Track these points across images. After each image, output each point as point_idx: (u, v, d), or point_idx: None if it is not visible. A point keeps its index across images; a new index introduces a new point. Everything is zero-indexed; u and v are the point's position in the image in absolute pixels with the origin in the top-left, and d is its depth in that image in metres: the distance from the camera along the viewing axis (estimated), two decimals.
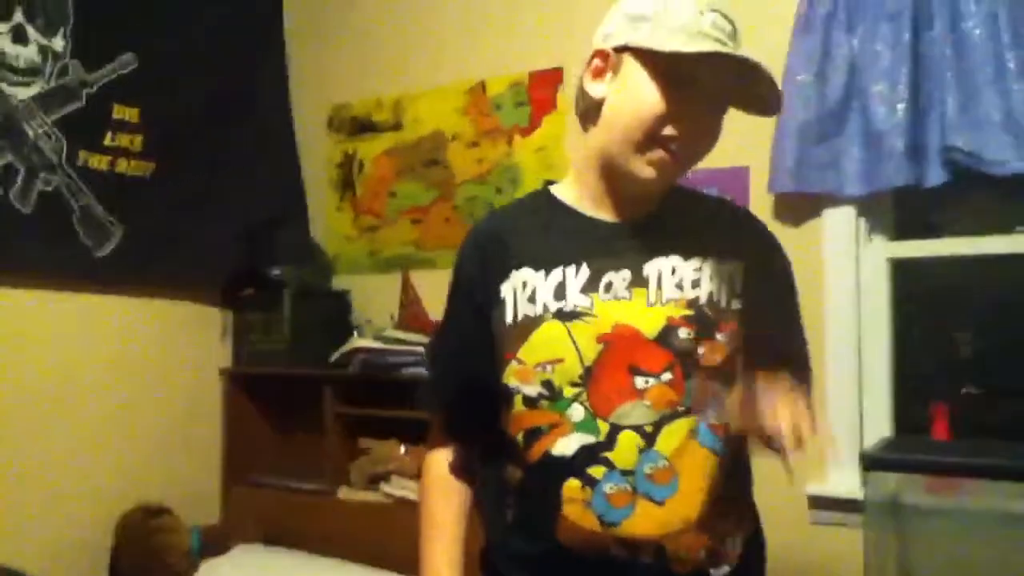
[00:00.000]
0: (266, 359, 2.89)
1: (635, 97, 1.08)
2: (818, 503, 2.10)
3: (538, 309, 1.12)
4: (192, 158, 2.89)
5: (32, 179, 2.53)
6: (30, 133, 2.52)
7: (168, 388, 2.86)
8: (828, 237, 2.16)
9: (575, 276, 1.12)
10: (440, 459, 1.28)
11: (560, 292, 1.12)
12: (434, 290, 2.67)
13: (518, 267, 1.15)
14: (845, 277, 2.14)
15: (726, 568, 1.12)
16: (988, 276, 2.23)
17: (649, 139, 1.08)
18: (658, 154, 1.08)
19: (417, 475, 2.51)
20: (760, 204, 2.19)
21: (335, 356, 2.73)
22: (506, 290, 1.15)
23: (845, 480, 2.04)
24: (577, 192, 1.21)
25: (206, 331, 2.98)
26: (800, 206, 2.18)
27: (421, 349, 2.56)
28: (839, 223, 2.15)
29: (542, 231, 1.19)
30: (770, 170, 2.17)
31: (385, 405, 2.63)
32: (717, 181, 2.24)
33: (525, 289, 1.14)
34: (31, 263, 2.51)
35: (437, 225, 2.84)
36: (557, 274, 1.13)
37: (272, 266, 2.93)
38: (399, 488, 2.54)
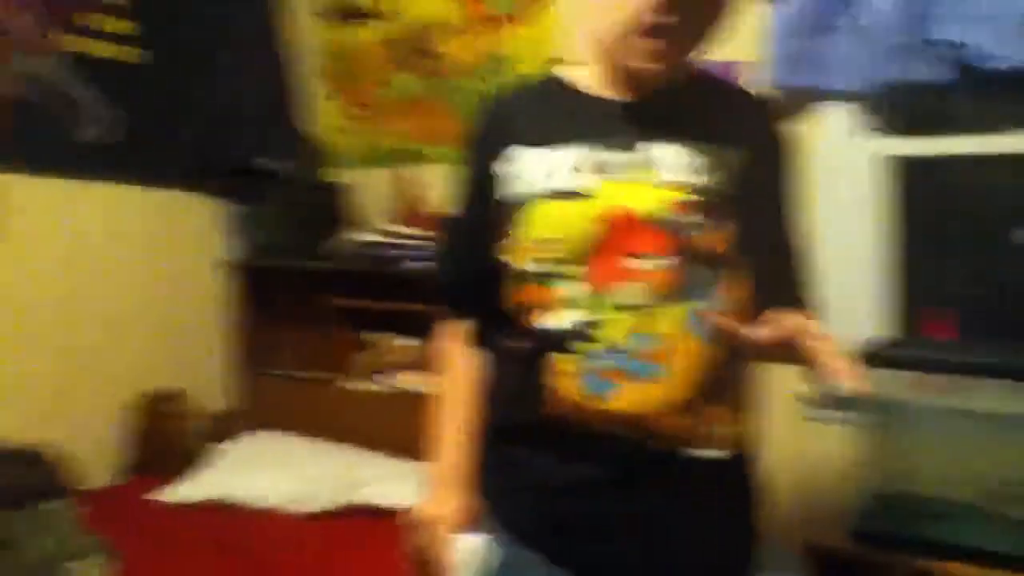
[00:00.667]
0: (264, 251, 2.91)
1: None
2: (811, 401, 2.16)
3: (538, 187, 1.13)
4: (185, 46, 2.85)
5: (15, 61, 2.48)
6: (6, 13, 2.46)
7: (170, 278, 2.91)
8: (821, 132, 2.17)
9: (577, 155, 1.13)
10: (452, 333, 1.33)
11: (563, 171, 1.13)
12: (428, 184, 2.69)
13: (519, 144, 1.17)
14: (840, 174, 2.15)
15: (713, 452, 1.14)
16: (991, 175, 2.20)
17: (639, 28, 1.06)
18: (652, 44, 1.07)
19: (415, 367, 2.62)
20: None
21: (332, 248, 2.76)
22: (507, 168, 1.17)
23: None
24: (586, 72, 1.20)
25: (203, 222, 2.99)
26: (792, 101, 2.18)
27: (422, 243, 2.59)
28: (834, 119, 2.15)
29: (547, 110, 1.19)
30: (762, 64, 2.15)
31: (386, 298, 2.68)
32: None
33: (527, 167, 1.15)
34: (15, 149, 2.48)
35: (431, 118, 2.83)
36: (560, 153, 1.14)
37: (266, 157, 2.92)
38: (398, 379, 2.62)
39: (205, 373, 2.98)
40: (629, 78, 1.16)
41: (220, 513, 2.37)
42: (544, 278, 1.13)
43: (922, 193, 2.23)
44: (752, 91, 1.30)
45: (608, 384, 1.09)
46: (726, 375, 1.15)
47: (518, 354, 1.18)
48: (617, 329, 1.09)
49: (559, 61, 1.28)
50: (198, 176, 2.94)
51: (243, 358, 3.01)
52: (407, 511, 1.28)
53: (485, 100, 1.30)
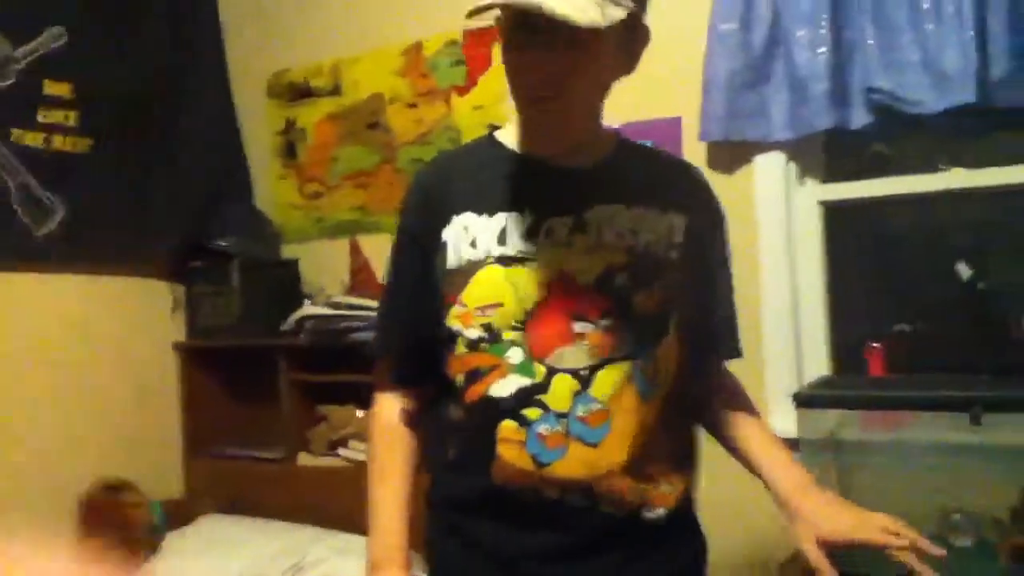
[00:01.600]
0: (218, 331, 2.89)
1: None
2: None
3: (480, 253, 1.13)
4: (130, 132, 2.85)
5: None
6: None
7: (123, 364, 2.85)
8: (760, 183, 2.19)
9: (517, 221, 1.13)
10: (387, 406, 1.28)
11: (502, 237, 1.13)
12: (382, 254, 2.67)
13: (460, 211, 1.16)
14: (778, 222, 2.18)
15: (661, 511, 1.15)
16: (917, 214, 2.28)
17: (518, 96, 1.13)
18: (532, 106, 1.13)
19: None
20: (693, 153, 2.22)
21: (286, 325, 2.74)
22: (448, 234, 1.16)
23: (784, 419, 2.10)
24: (523, 137, 1.21)
25: (157, 305, 2.97)
26: (732, 154, 2.21)
27: (372, 313, 2.57)
28: (770, 168, 2.19)
29: (486, 175, 1.20)
30: (700, 120, 2.19)
31: (340, 371, 2.65)
32: (651, 132, 2.27)
33: (468, 233, 1.15)
34: None
35: (382, 189, 2.84)
36: (499, 219, 1.14)
37: (219, 238, 2.91)
38: (358, 452, 2.57)
39: (157, 459, 2.90)
40: (549, 140, 1.18)
41: None
42: (487, 344, 1.12)
43: (857, 234, 2.29)
44: (680, 159, 1.36)
45: (554, 450, 1.09)
46: (671, 432, 1.17)
47: (462, 423, 1.16)
48: (560, 393, 1.10)
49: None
50: (151, 260, 2.92)
51: (198, 440, 2.94)
52: None
53: (423, 168, 1.31)
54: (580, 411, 1.09)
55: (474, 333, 1.13)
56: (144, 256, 2.90)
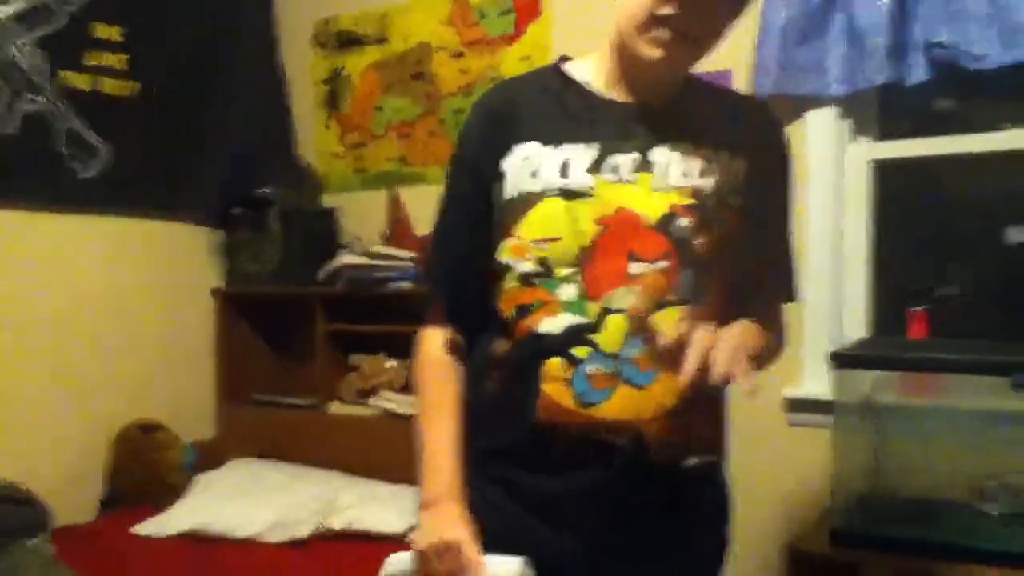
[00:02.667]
0: (256, 279, 2.89)
1: None
2: (794, 406, 2.10)
3: (540, 185, 1.10)
4: (177, 77, 2.86)
5: (15, 100, 2.51)
6: (11, 52, 2.50)
7: (162, 308, 2.88)
8: (811, 139, 2.12)
9: (581, 154, 1.10)
10: (435, 339, 1.24)
11: (564, 170, 1.10)
12: (421, 206, 2.66)
13: (524, 140, 1.13)
14: (827, 179, 2.11)
15: (699, 459, 1.12)
16: (969, 176, 2.19)
17: (649, 18, 1.05)
18: (661, 33, 1.05)
19: (405, 389, 2.56)
20: None
21: (322, 274, 2.73)
22: (508, 164, 1.13)
23: (820, 382, 2.04)
24: (594, 70, 1.17)
25: (197, 252, 2.99)
26: (783, 108, 2.13)
27: (408, 264, 2.56)
28: (822, 125, 2.11)
29: (552, 106, 1.16)
30: (753, 72, 2.12)
31: (374, 321, 2.64)
32: None
33: (529, 164, 1.11)
34: (17, 185, 2.50)
35: (423, 140, 2.81)
36: (563, 151, 1.11)
37: (260, 186, 2.91)
38: (388, 401, 2.57)
39: (191, 402, 2.93)
40: (637, 78, 1.14)
41: (199, 545, 2.30)
42: (540, 279, 1.09)
43: (908, 194, 2.20)
44: (753, 98, 1.30)
45: (601, 391, 1.06)
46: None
47: (508, 359, 1.13)
48: (612, 334, 1.06)
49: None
50: (193, 206, 2.93)
51: (231, 386, 2.96)
52: (411, 539, 1.13)
53: (486, 92, 1.25)
54: (631, 353, 1.06)
55: (527, 267, 1.10)
56: (186, 202, 2.91)
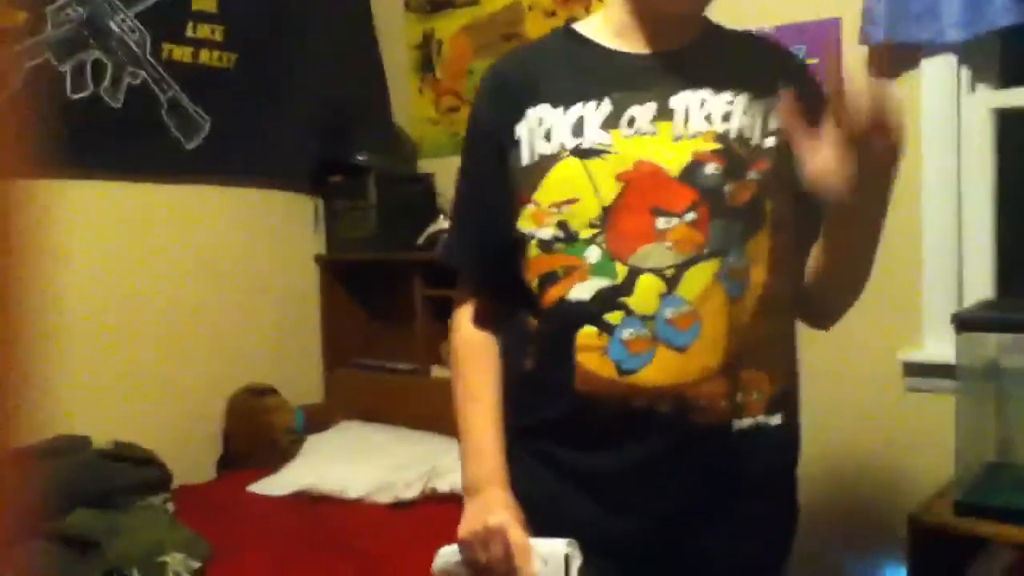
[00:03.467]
0: (355, 245, 2.94)
1: None
2: (913, 370, 2.02)
3: (554, 147, 1.06)
4: (273, 47, 2.90)
5: (120, 74, 2.59)
6: (115, 28, 2.57)
7: (268, 275, 2.95)
8: (927, 89, 2.00)
9: (595, 111, 1.05)
10: (467, 319, 1.21)
11: (578, 128, 1.05)
12: None
13: (535, 104, 1.08)
14: (945, 132, 1.99)
15: (749, 420, 1.05)
16: None
17: None
18: None
19: None
20: (853, 57, 2.04)
21: (421, 240, 2.75)
22: (522, 129, 1.09)
23: (941, 345, 1.95)
24: (602, 25, 1.13)
25: (298, 219, 3.05)
26: (896, 58, 2.02)
27: None
28: (939, 73, 1.99)
29: (561, 66, 1.11)
30: (862, 21, 2.01)
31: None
32: (806, 36, 2.11)
33: (541, 127, 1.07)
34: (124, 156, 2.58)
35: None
36: (576, 109, 1.06)
37: (357, 152, 2.94)
38: None
39: (298, 367, 3.01)
40: (652, 26, 1.09)
41: (309, 504, 2.38)
42: (563, 244, 1.05)
43: None
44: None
45: (639, 355, 1.01)
46: (763, 335, 1.06)
47: (539, 332, 1.09)
48: (645, 295, 1.01)
49: None
50: (292, 174, 2.98)
51: (335, 351, 3.03)
52: (463, 525, 1.09)
53: (497, 60, 1.22)
54: (668, 313, 1.00)
55: (548, 233, 1.05)
56: (286, 170, 2.97)
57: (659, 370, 1.01)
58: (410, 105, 3.09)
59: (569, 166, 1.05)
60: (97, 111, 2.52)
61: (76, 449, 2.28)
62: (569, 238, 1.04)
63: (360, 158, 2.94)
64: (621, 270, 1.02)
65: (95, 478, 2.20)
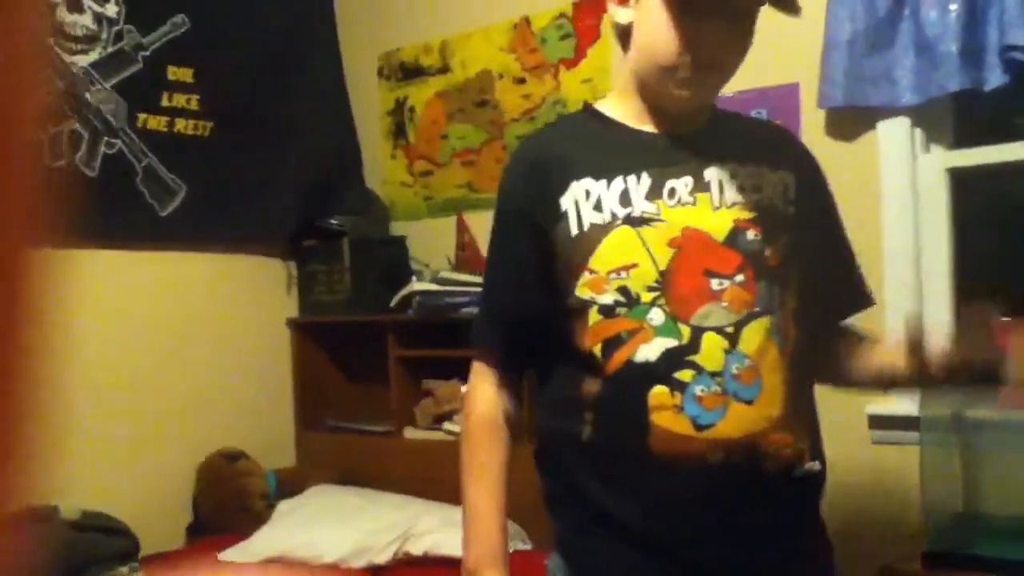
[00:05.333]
0: (329, 308, 2.95)
1: (653, 28, 1.10)
2: (879, 423, 2.06)
3: (606, 216, 1.11)
4: (248, 115, 2.94)
5: (96, 143, 2.61)
6: (91, 99, 2.60)
7: (240, 339, 2.95)
8: (884, 150, 2.08)
9: (637, 184, 1.11)
10: (486, 397, 1.23)
11: (625, 199, 1.11)
12: (488, 231, 2.68)
13: (578, 177, 1.13)
14: (902, 190, 2.06)
15: (806, 467, 1.11)
16: None
17: (674, 66, 1.09)
18: (686, 73, 1.09)
19: None
20: (812, 120, 2.13)
21: (394, 301, 2.77)
22: (567, 202, 1.13)
23: (907, 398, 1.98)
24: (622, 109, 1.20)
25: (272, 283, 3.06)
26: (853, 120, 2.10)
27: (477, 289, 2.58)
28: (894, 135, 2.07)
29: (594, 143, 1.18)
30: (820, 85, 2.09)
31: (446, 346, 2.66)
32: (767, 99, 2.18)
33: (589, 198, 1.12)
34: (100, 225, 2.57)
35: (489, 166, 2.84)
36: (619, 182, 1.12)
37: (331, 217, 2.98)
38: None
39: (271, 430, 2.99)
40: (667, 114, 1.18)
41: (282, 570, 2.34)
42: (624, 308, 1.09)
43: (984, 203, 2.15)
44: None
45: (713, 411, 1.06)
46: (802, 387, 1.14)
47: (603, 397, 1.10)
48: (712, 352, 1.06)
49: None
50: (267, 238, 3.00)
51: (308, 414, 3.02)
52: None
53: (523, 143, 1.31)
54: (734, 369, 1.06)
55: (609, 298, 1.09)
56: (261, 235, 2.99)
57: (733, 423, 1.06)
58: (383, 169, 3.14)
59: (624, 233, 1.10)
60: (72, 180, 2.54)
61: (43, 519, 2.24)
62: (631, 302, 1.09)
63: (334, 222, 2.97)
64: (685, 330, 1.07)
65: (64, 549, 2.16)
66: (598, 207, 1.11)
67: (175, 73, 2.79)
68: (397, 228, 3.08)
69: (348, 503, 2.59)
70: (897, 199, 2.06)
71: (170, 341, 2.77)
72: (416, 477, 2.59)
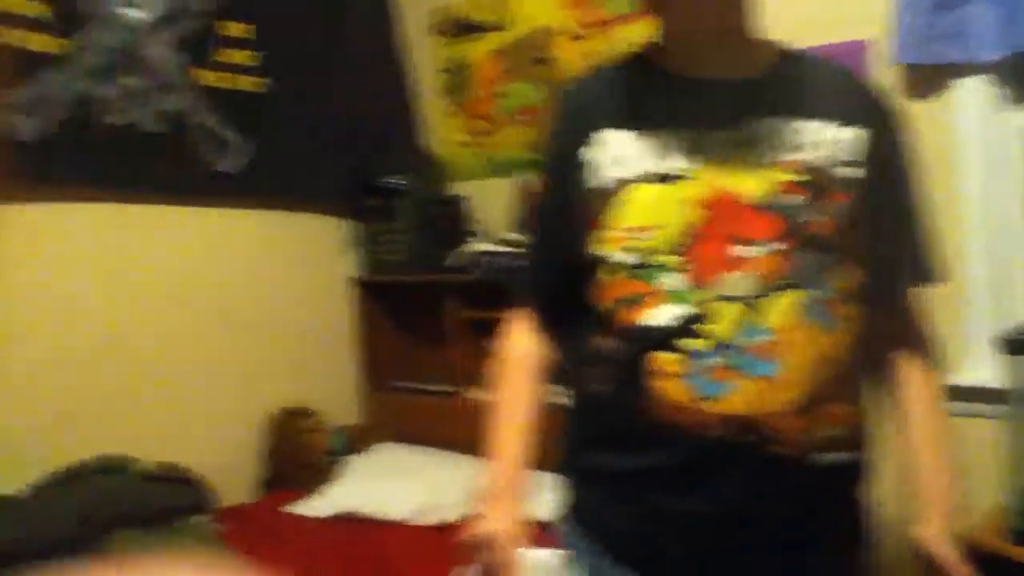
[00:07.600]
0: (389, 267, 2.97)
1: None
2: (956, 394, 2.00)
3: (629, 172, 1.04)
4: (305, 72, 2.94)
5: (155, 99, 2.62)
6: (150, 55, 2.61)
7: (304, 298, 3.00)
8: (960, 110, 2.01)
9: (673, 137, 1.03)
10: (519, 342, 1.22)
11: (658, 154, 1.03)
12: None
13: (605, 127, 1.07)
14: (980, 153, 1.99)
15: (832, 456, 1.03)
16: None
17: None
18: None
19: None
20: (881, 78, 2.05)
21: (451, 260, 2.78)
22: (593, 152, 1.07)
23: (987, 368, 1.94)
24: (668, 55, 1.11)
25: (333, 242, 3.09)
26: (927, 79, 2.03)
27: None
28: (972, 94, 2.00)
29: (635, 91, 1.10)
30: (892, 41, 2.02)
31: (506, 306, 2.66)
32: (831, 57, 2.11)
33: (612, 150, 1.06)
34: (157, 179, 2.62)
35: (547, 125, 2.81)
36: (653, 135, 1.04)
37: (389, 176, 2.98)
38: None
39: (335, 388, 3.05)
40: (715, 52, 1.09)
41: (351, 526, 2.41)
42: (640, 270, 1.03)
43: None
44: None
45: (719, 384, 0.99)
46: (846, 369, 1.04)
47: (612, 356, 1.06)
48: (725, 323, 0.99)
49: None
50: (326, 197, 3.02)
51: (371, 373, 3.06)
52: (467, 529, 1.16)
53: (566, 85, 1.23)
54: (746, 342, 0.99)
55: (624, 257, 1.04)
56: (320, 193, 3.01)
57: (737, 399, 0.99)
58: (440, 128, 3.12)
59: (647, 191, 1.03)
60: (132, 136, 2.56)
61: (116, 470, 2.31)
62: (646, 263, 1.03)
63: (392, 181, 2.97)
64: (700, 297, 1.00)
65: (135, 499, 2.23)
66: (621, 160, 1.05)
67: (231, 29, 2.79)
68: (456, 188, 3.07)
69: (412, 461, 2.64)
70: (975, 160, 2.00)
71: (237, 298, 2.82)
72: (478, 438, 2.61)
